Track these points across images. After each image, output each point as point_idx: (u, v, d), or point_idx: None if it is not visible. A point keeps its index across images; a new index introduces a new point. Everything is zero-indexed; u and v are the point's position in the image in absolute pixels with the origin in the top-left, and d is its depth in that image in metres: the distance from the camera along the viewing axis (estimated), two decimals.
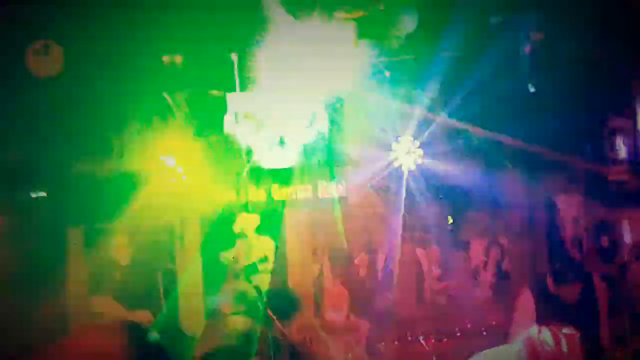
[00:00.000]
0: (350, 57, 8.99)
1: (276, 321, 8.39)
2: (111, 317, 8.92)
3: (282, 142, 9.47)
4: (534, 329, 6.28)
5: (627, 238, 10.01)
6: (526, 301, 7.80)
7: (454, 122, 9.70)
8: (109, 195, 8.94)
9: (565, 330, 6.49)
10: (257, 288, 7.92)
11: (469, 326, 9.83)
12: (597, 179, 10.11)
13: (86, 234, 9.24)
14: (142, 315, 8.90)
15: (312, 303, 9.79)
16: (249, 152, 9.44)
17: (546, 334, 6.15)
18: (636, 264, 9.57)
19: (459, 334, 9.70)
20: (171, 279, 9.47)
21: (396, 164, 9.99)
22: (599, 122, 10.00)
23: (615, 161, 9.98)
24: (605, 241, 10.09)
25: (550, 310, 7.52)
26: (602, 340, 7.77)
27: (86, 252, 9.25)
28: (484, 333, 9.66)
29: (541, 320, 7.01)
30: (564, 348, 6.09)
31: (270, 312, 8.59)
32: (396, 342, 9.04)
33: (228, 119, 9.35)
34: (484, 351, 6.55)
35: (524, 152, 9.90)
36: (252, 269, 9.32)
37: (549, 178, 10.13)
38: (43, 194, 8.98)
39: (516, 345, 6.26)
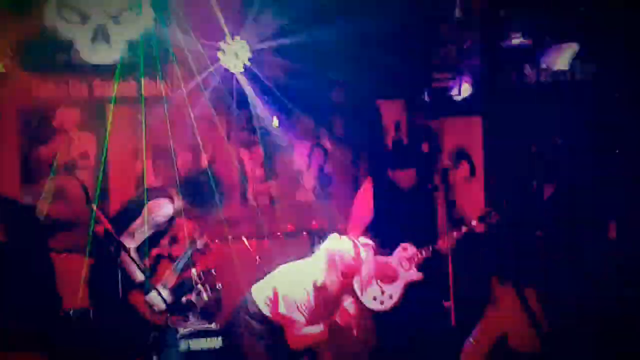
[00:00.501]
0: None
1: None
2: None
3: (101, 34, 9.18)
4: (334, 239, 6.51)
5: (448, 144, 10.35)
6: (366, 193, 8.03)
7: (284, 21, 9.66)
8: None
9: (363, 239, 6.77)
10: (83, 186, 7.70)
11: (290, 228, 10.01)
12: (420, 85, 10.34)
13: None
14: None
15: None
16: (70, 45, 9.11)
17: (346, 243, 6.39)
18: (455, 170, 9.96)
19: (280, 235, 9.86)
20: None
21: (224, 64, 9.89)
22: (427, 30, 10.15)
23: (440, 68, 10.21)
24: (426, 147, 10.38)
25: (388, 199, 7.82)
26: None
27: None
28: (304, 234, 9.87)
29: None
30: (363, 256, 6.37)
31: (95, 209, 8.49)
32: (217, 241, 9.05)
33: (47, 9, 8.95)
34: (288, 263, 6.77)
35: (352, 55, 10.00)
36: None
37: (374, 82, 10.25)
38: None
39: (319, 256, 6.49)
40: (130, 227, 6.92)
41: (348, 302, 6.76)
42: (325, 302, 6.43)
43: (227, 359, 7.64)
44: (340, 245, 6.40)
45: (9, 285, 4.20)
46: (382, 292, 7.86)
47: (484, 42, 9.93)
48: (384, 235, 7.84)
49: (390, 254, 7.95)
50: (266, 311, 6.46)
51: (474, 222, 7.95)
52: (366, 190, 8.21)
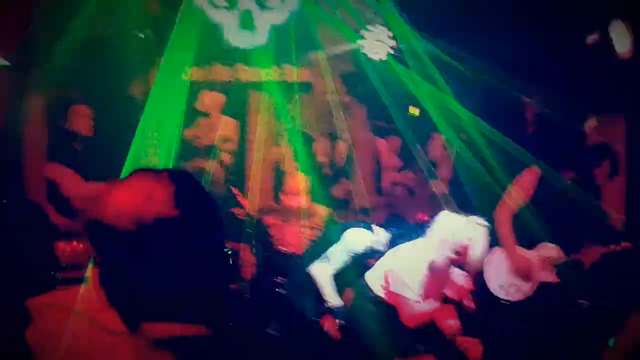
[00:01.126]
0: None
1: (239, 197, 8.52)
2: (69, 187, 8.90)
3: (247, 19, 9.36)
4: (445, 215, 6.49)
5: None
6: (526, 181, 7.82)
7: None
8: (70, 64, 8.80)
9: (478, 219, 6.65)
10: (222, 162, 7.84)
11: (424, 218, 10.00)
12: None
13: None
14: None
15: (272, 187, 9.89)
16: (218, 30, 9.31)
17: (459, 221, 6.39)
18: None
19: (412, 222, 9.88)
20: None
21: (365, 52, 9.94)
22: None
23: None
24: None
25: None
26: None
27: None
28: None
29: None
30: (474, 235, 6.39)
31: (232, 188, 8.72)
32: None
33: None
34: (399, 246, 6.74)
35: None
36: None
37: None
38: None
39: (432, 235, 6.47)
40: (327, 251, 7.08)
41: (458, 275, 6.70)
42: (437, 279, 6.42)
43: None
44: (453, 223, 6.37)
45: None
46: (510, 283, 7.76)
47: None
48: (531, 227, 7.67)
49: (531, 248, 7.80)
50: (381, 294, 6.49)
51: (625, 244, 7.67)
52: (528, 179, 7.88)
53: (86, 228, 2.14)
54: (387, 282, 6.42)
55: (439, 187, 10.05)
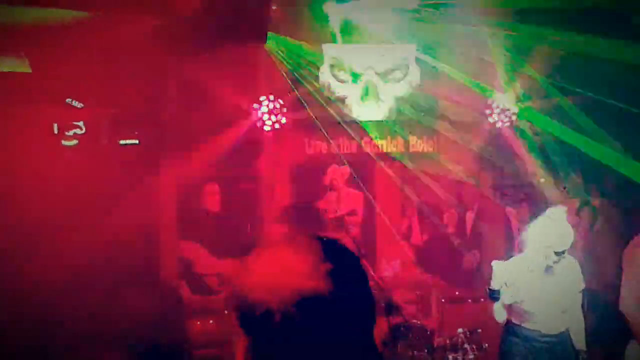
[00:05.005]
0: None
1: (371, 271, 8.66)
2: (200, 264, 9.25)
3: (367, 93, 9.67)
4: None
5: None
6: None
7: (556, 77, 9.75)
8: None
9: None
10: (355, 242, 8.08)
11: None
12: None
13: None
14: (231, 265, 9.10)
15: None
16: (342, 103, 9.67)
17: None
18: None
19: None
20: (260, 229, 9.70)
21: (491, 120, 10.13)
22: None
23: None
24: None
25: None
26: None
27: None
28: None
29: None
30: None
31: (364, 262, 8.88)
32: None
33: (322, 69, 9.58)
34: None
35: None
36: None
37: None
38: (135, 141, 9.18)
39: None
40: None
41: None
42: None
43: None
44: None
45: None
46: None
47: None
48: None
49: None
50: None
51: None
52: None
53: (233, 307, 2.05)
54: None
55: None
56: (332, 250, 2.08)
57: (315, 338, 1.98)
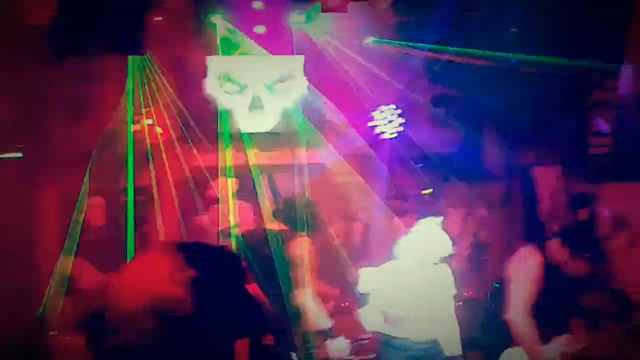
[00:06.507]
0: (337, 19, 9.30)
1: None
2: (86, 279, 9.13)
3: (255, 101, 9.70)
4: None
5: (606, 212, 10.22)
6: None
7: (438, 89, 9.99)
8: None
9: None
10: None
11: None
12: (577, 152, 10.38)
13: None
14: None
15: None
16: (228, 116, 9.68)
17: None
18: (614, 238, 9.79)
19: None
20: (146, 242, 9.65)
21: (376, 131, 10.30)
22: (581, 95, 10.21)
23: (596, 134, 10.21)
24: (584, 214, 10.30)
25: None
26: None
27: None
28: (460, 303, 9.96)
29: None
30: None
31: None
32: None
33: (208, 81, 9.59)
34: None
35: (505, 122, 10.23)
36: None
37: (529, 150, 10.41)
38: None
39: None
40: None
41: None
42: None
43: None
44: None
45: None
46: None
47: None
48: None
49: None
50: None
51: None
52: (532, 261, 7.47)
53: (83, 322, 2.06)
54: None
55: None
56: (203, 259, 2.07)
57: (171, 348, 1.96)
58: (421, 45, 9.55)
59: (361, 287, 6.49)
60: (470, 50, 9.23)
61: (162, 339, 1.95)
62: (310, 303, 7.36)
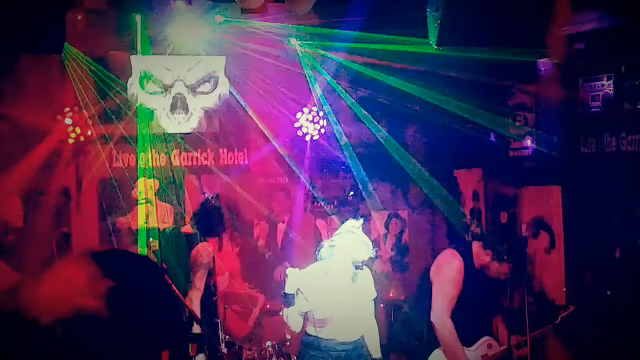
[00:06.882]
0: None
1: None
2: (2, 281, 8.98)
3: (178, 102, 9.65)
4: None
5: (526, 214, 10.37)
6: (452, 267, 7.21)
7: (359, 91, 10.06)
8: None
9: None
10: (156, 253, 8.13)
11: None
12: (498, 155, 10.51)
13: None
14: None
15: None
16: (150, 116, 9.60)
17: None
18: (534, 240, 9.93)
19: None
20: (66, 243, 9.53)
21: (300, 133, 10.33)
22: (502, 98, 10.32)
23: (517, 138, 10.33)
24: (504, 217, 10.46)
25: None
26: None
27: None
28: (381, 305, 10.04)
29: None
30: None
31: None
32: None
33: (130, 81, 9.49)
34: None
35: (428, 125, 10.35)
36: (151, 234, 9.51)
37: (451, 152, 10.52)
38: None
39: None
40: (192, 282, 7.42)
41: None
42: None
43: None
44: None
45: None
46: None
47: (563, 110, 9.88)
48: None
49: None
50: None
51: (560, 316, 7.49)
52: (452, 264, 7.20)
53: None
54: None
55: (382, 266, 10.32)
56: (121, 269, 2.06)
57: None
58: (342, 45, 9.59)
59: (287, 288, 6.50)
60: (390, 46, 9.27)
61: (81, 351, 1.94)
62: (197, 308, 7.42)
